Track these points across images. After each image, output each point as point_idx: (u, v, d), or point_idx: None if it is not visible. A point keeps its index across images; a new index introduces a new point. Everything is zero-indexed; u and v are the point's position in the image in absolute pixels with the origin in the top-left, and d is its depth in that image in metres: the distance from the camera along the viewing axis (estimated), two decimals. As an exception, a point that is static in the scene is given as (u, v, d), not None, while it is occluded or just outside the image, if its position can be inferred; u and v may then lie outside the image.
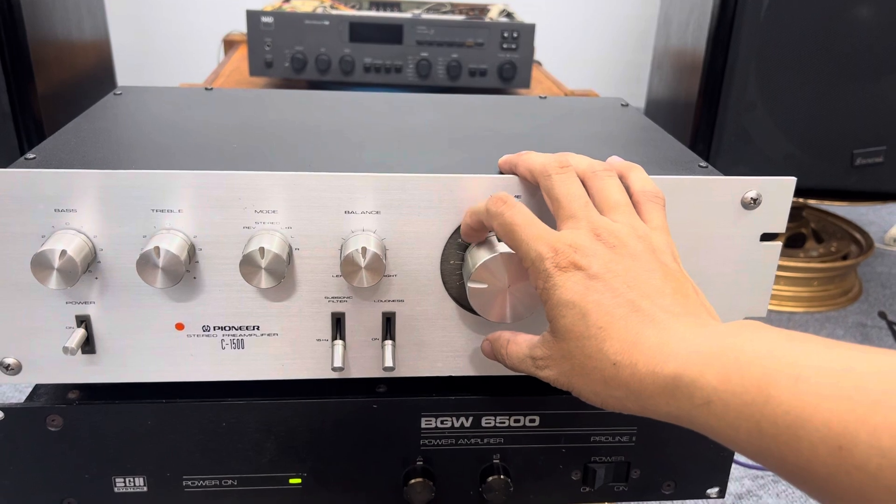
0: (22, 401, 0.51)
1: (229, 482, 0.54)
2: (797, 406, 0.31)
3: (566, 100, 0.71)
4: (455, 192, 0.47)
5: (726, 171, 1.13)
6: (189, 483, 0.54)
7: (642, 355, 0.37)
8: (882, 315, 1.14)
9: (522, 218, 0.42)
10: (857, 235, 1.30)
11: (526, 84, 1.27)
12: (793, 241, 1.25)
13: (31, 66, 1.05)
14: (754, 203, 0.49)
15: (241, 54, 1.53)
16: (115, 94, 0.66)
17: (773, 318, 1.18)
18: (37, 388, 0.53)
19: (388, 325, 0.50)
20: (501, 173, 0.48)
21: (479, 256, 0.46)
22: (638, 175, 0.45)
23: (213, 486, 0.54)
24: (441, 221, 0.47)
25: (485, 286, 0.46)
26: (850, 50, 1.03)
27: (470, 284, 0.46)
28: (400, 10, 1.43)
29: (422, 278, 0.49)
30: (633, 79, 2.11)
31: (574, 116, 0.66)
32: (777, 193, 0.49)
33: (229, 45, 1.71)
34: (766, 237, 0.50)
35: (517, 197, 0.47)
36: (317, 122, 0.61)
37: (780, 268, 1.19)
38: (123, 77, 1.63)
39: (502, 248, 0.45)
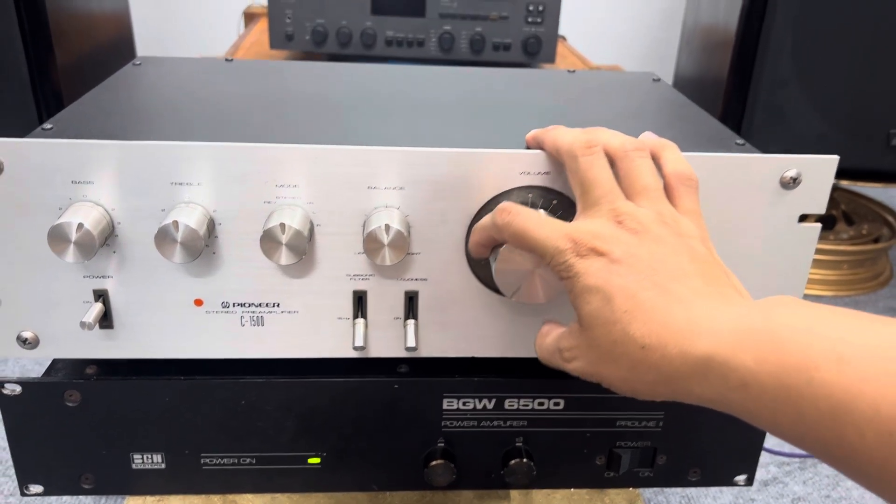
0: (40, 375, 0.50)
1: (248, 460, 0.54)
2: (841, 389, 0.29)
3: (595, 73, 0.69)
4: (481, 168, 0.45)
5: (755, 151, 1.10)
6: (207, 461, 0.53)
7: (672, 336, 0.35)
8: (913, 300, 1.12)
9: (532, 221, 0.40)
10: (890, 218, 1.27)
11: (551, 59, 1.24)
12: (822, 223, 1.22)
13: (50, 37, 1.04)
14: (793, 183, 0.47)
15: (261, 27, 1.51)
16: (134, 64, 0.64)
17: (801, 302, 1.16)
18: (55, 362, 0.52)
19: (411, 304, 0.49)
20: (529, 148, 0.46)
21: (506, 235, 0.44)
22: (672, 155, 0.43)
23: (231, 464, 0.53)
24: (467, 198, 0.46)
25: (511, 267, 0.44)
26: (888, 26, 0.99)
27: (496, 266, 0.44)
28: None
29: (446, 257, 0.47)
30: (660, 56, 2.06)
31: (604, 91, 0.64)
32: (818, 173, 0.47)
33: (249, 17, 1.70)
34: (805, 218, 0.48)
35: (545, 174, 0.45)
36: (339, 94, 0.59)
37: (809, 250, 1.16)
38: (143, 49, 1.62)
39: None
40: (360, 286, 0.48)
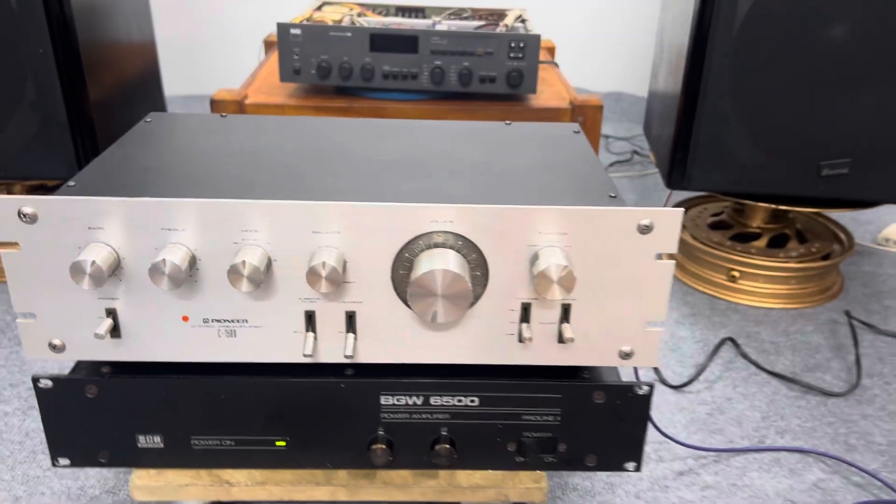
0: (66, 373, 0.65)
1: (228, 442, 0.67)
2: None
3: (525, 126, 0.82)
4: (403, 219, 0.58)
5: (701, 178, 1.22)
6: (196, 442, 0.67)
7: None
8: (847, 313, 1.21)
9: None
10: (842, 235, 1.37)
11: (532, 90, 1.36)
12: (776, 242, 1.33)
13: (83, 74, 1.13)
14: (647, 229, 0.59)
15: (277, 57, 1.65)
16: (145, 121, 0.79)
17: (751, 312, 1.27)
18: (78, 363, 0.67)
19: (351, 321, 0.62)
20: None
21: (418, 271, 0.57)
22: None
23: (215, 444, 0.67)
24: (392, 241, 0.59)
25: (421, 293, 0.58)
26: (818, 67, 1.10)
27: (410, 291, 0.58)
28: (424, 16, 1.54)
29: (376, 285, 0.61)
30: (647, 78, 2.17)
31: (527, 144, 0.77)
32: (667, 221, 0.59)
33: (269, 45, 1.84)
34: (661, 256, 0.61)
35: (450, 222, 0.58)
36: (302, 149, 0.73)
37: (760, 266, 1.27)
38: (168, 75, 1.76)
39: (434, 265, 0.57)
40: (310, 307, 0.61)
